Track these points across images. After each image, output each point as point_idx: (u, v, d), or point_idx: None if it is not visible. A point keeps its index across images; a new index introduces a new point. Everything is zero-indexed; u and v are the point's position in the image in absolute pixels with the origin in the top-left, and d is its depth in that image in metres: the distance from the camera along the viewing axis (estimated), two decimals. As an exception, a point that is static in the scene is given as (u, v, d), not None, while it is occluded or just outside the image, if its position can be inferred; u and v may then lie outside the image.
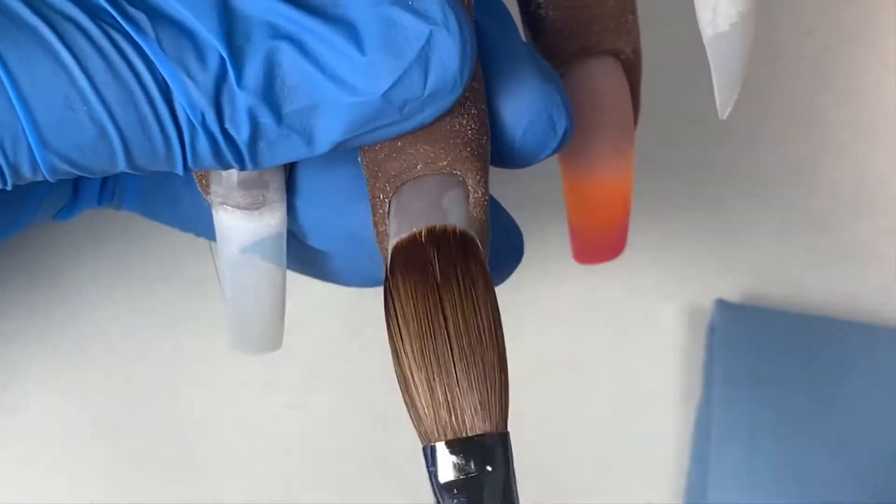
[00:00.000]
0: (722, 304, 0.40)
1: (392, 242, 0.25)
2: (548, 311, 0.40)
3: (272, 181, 0.26)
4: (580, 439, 0.40)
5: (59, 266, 0.39)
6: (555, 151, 0.26)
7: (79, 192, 0.30)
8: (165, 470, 0.39)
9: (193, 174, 0.27)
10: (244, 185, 0.26)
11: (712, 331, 0.40)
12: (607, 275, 0.41)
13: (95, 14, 0.22)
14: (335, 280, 0.31)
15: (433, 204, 0.25)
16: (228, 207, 0.26)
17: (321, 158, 0.25)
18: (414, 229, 0.24)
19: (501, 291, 0.42)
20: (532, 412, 0.40)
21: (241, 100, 0.23)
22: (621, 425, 0.40)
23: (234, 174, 0.26)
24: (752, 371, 0.39)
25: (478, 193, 0.25)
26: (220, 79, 0.22)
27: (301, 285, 0.40)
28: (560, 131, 0.26)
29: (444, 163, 0.25)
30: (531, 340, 0.40)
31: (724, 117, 0.27)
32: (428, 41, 0.23)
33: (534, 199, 0.38)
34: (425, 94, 0.23)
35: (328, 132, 0.23)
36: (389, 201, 0.25)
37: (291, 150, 0.24)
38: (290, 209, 0.27)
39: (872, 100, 0.43)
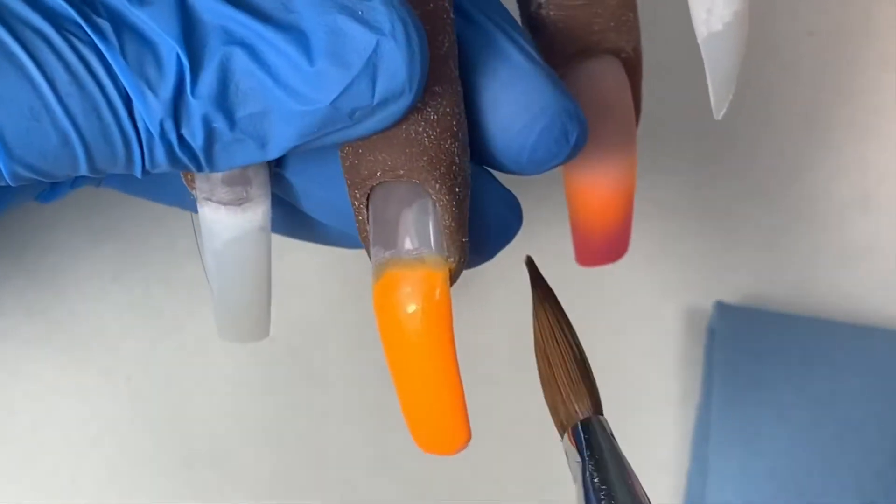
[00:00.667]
0: (721, 306, 0.40)
1: (372, 260, 0.25)
2: (548, 312, 0.40)
3: (255, 177, 0.27)
4: (580, 439, 0.40)
5: (59, 266, 0.39)
6: (566, 160, 0.27)
7: None
8: (165, 470, 0.39)
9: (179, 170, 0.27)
10: (228, 181, 0.27)
11: (712, 332, 0.40)
12: (607, 275, 0.41)
13: (60, 24, 0.23)
14: (330, 244, 0.31)
15: (403, 214, 0.25)
16: (212, 203, 0.27)
17: None
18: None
19: (502, 291, 0.43)
20: (532, 412, 0.40)
21: (196, 107, 0.23)
22: (621, 426, 0.40)
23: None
24: (751, 373, 0.39)
25: (442, 200, 0.25)
26: (178, 89, 0.23)
27: (301, 286, 0.40)
28: (572, 140, 0.26)
29: (402, 171, 0.25)
30: (530, 341, 0.40)
31: (719, 117, 0.27)
32: (375, 51, 0.23)
33: (533, 200, 0.38)
34: (374, 102, 0.23)
35: (280, 138, 0.24)
36: (366, 208, 0.26)
37: (245, 153, 0.24)
38: (281, 182, 0.28)
39: (872, 100, 0.43)
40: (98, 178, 0.25)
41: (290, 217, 0.30)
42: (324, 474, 0.39)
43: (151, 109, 0.23)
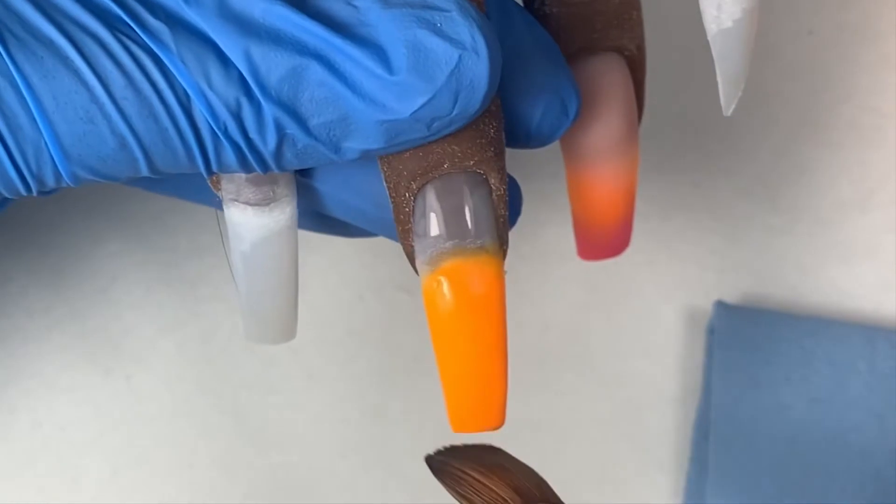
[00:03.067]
0: (721, 306, 0.40)
1: (427, 249, 0.26)
2: (548, 311, 0.40)
3: (282, 177, 0.27)
4: (580, 439, 0.40)
5: (59, 266, 0.39)
6: (565, 131, 0.28)
7: None
8: (165, 470, 0.39)
9: None
10: (254, 181, 0.27)
11: (712, 332, 0.40)
12: (607, 275, 0.41)
13: (115, 26, 0.23)
14: (359, 236, 0.31)
15: (463, 204, 0.25)
16: (239, 204, 0.27)
17: None
18: None
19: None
20: (531, 412, 0.40)
21: (267, 111, 0.23)
22: (620, 426, 0.40)
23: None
24: (751, 372, 0.39)
25: (500, 191, 0.26)
26: (243, 90, 0.23)
27: (301, 286, 0.40)
28: (572, 113, 0.27)
29: (472, 162, 0.25)
30: (531, 340, 0.40)
31: (729, 114, 0.27)
32: (458, 65, 0.23)
33: (533, 199, 0.38)
34: (454, 114, 0.24)
35: (356, 143, 0.24)
36: (414, 199, 0.26)
37: (317, 157, 0.24)
38: (307, 190, 0.28)
39: (872, 100, 0.43)
40: (161, 176, 0.25)
41: (313, 215, 0.30)
42: (324, 474, 0.39)
43: (214, 110, 0.23)
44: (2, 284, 0.39)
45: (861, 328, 0.40)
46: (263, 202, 0.27)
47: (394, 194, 0.26)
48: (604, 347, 0.41)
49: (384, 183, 0.26)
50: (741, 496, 0.38)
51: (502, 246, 0.26)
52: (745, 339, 0.39)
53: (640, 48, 0.30)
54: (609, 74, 0.29)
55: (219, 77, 0.23)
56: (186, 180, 0.29)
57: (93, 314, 0.39)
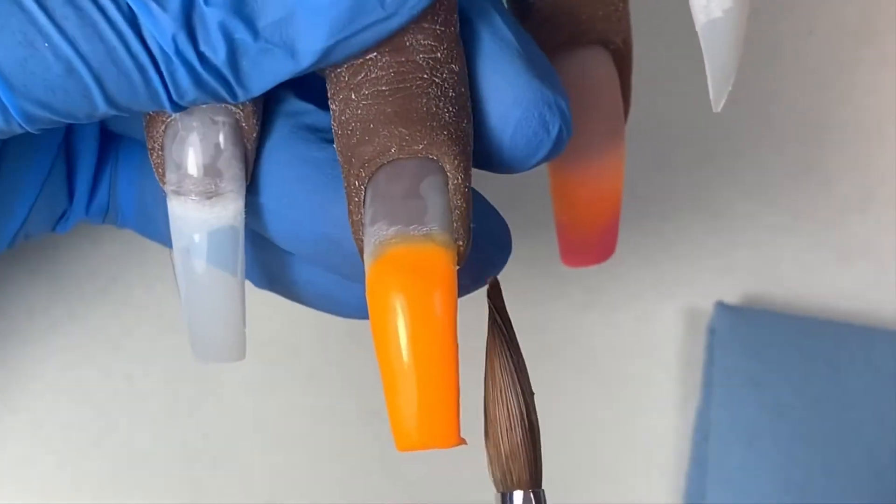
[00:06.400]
0: (721, 306, 0.40)
1: (370, 239, 0.24)
2: (547, 312, 0.40)
3: (227, 170, 0.25)
4: (579, 440, 0.40)
5: (59, 265, 0.39)
6: (550, 155, 0.25)
7: (73, 200, 0.30)
8: (165, 470, 0.39)
9: (151, 161, 0.26)
10: (198, 172, 0.25)
11: (712, 332, 0.40)
12: (607, 275, 0.41)
13: None
14: (312, 304, 0.29)
15: (411, 191, 0.23)
16: (181, 196, 0.25)
17: (288, 149, 0.24)
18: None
19: (505, 292, 0.42)
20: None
21: (212, 17, 0.22)
22: (620, 426, 0.40)
23: (187, 161, 0.25)
24: (751, 373, 0.39)
25: (457, 179, 0.24)
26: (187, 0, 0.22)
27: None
28: (553, 132, 0.25)
29: (420, 146, 0.23)
30: (530, 340, 0.40)
31: (718, 110, 0.26)
32: None
33: (531, 197, 0.38)
34: None
35: (310, 40, 0.22)
36: (365, 188, 0.24)
37: (276, 66, 0.23)
38: (256, 209, 0.26)
39: (872, 100, 0.43)
40: (127, 114, 0.23)
41: (264, 266, 0.28)
42: (323, 474, 0.39)
43: (160, 24, 0.21)
44: (2, 285, 0.39)
45: (861, 329, 0.40)
46: (205, 195, 0.25)
47: (346, 185, 0.24)
48: (604, 347, 0.41)
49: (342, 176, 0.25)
50: (741, 496, 0.38)
51: (457, 240, 0.24)
52: (745, 339, 0.39)
53: (626, 42, 0.29)
54: (594, 68, 0.28)
55: None
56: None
57: (93, 314, 0.39)
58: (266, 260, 0.28)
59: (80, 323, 0.39)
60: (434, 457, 0.40)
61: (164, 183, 0.26)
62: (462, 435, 0.24)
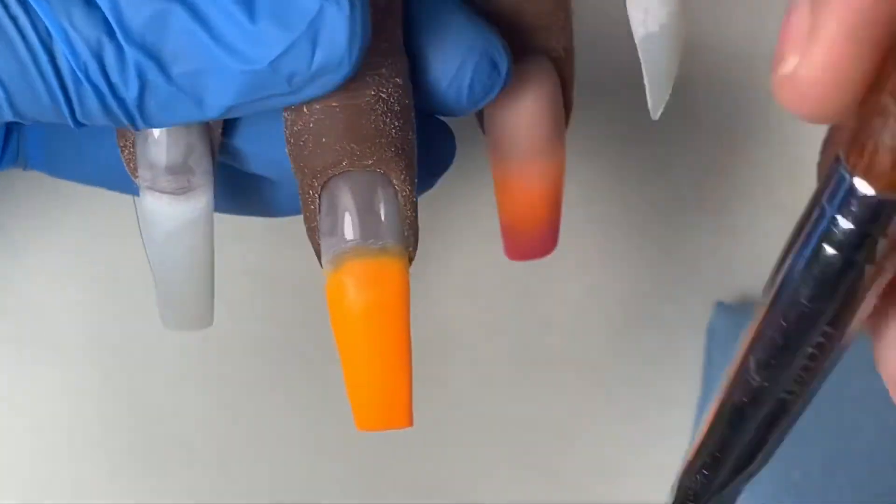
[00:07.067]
0: (721, 307, 0.40)
1: (329, 249, 0.26)
2: (547, 312, 0.41)
3: (198, 166, 0.27)
4: (579, 439, 0.40)
5: (60, 266, 0.39)
6: (500, 91, 0.27)
7: None
8: (165, 470, 0.39)
9: (122, 156, 0.27)
10: (171, 170, 0.27)
11: (712, 333, 0.40)
12: (607, 275, 0.41)
13: None
14: (276, 211, 0.31)
15: (365, 204, 0.25)
16: (155, 192, 0.27)
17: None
18: None
19: (501, 291, 0.43)
20: (531, 412, 0.40)
21: (129, 55, 0.23)
22: (620, 426, 0.40)
23: (161, 158, 0.27)
24: (751, 372, 0.39)
25: (405, 191, 0.26)
26: (106, 32, 0.23)
27: (301, 285, 0.40)
28: (503, 71, 0.27)
29: (370, 161, 0.25)
30: (530, 341, 0.41)
31: (656, 117, 0.27)
32: (318, 15, 0.23)
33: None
34: (313, 68, 0.23)
35: (218, 96, 0.24)
36: (319, 197, 0.26)
37: (182, 111, 0.24)
38: (228, 149, 0.28)
39: (872, 100, 0.43)
40: (32, 122, 0.24)
41: (233, 195, 0.30)
42: (323, 474, 0.39)
43: (76, 50, 0.23)
44: (2, 285, 0.39)
45: (861, 329, 0.40)
46: (179, 191, 0.27)
47: (300, 191, 0.26)
48: (604, 347, 0.41)
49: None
50: (741, 496, 0.38)
51: (408, 248, 0.26)
52: (744, 339, 0.39)
53: (568, 50, 0.30)
54: (536, 76, 0.29)
55: (81, 16, 0.23)
56: (107, 166, 0.29)
57: (93, 315, 0.39)
58: (233, 185, 0.30)
59: (80, 323, 0.39)
60: (434, 457, 0.40)
61: (136, 177, 0.27)
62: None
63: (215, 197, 0.29)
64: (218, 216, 0.29)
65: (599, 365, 0.41)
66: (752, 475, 0.24)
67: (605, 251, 0.41)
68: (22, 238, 0.39)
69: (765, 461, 0.24)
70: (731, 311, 0.40)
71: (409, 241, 0.26)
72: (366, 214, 0.25)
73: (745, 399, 0.23)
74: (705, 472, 0.24)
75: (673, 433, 0.40)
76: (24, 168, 0.31)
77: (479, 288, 0.40)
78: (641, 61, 0.27)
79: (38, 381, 0.39)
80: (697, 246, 0.41)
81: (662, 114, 0.41)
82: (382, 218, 0.25)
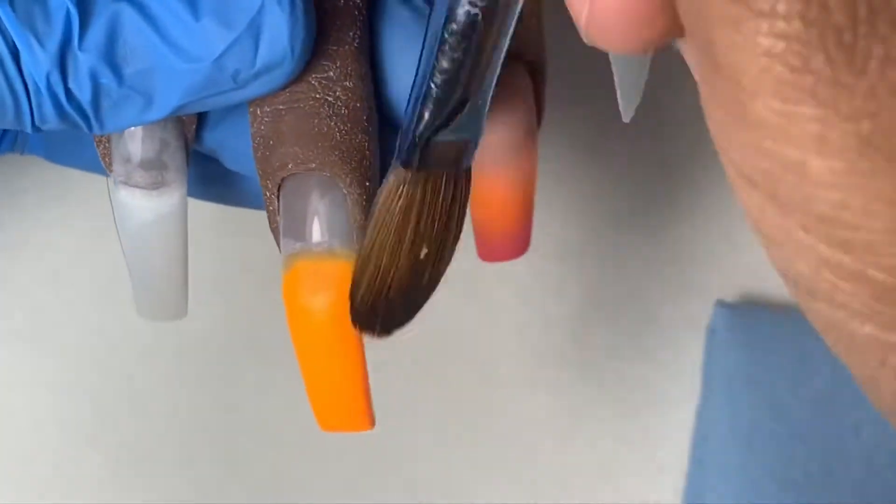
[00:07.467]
0: (721, 306, 0.40)
1: (283, 250, 0.26)
2: (547, 312, 0.40)
3: (171, 162, 0.27)
4: (579, 439, 0.40)
5: (59, 265, 0.39)
6: None
7: None
8: (165, 470, 0.39)
9: (97, 150, 0.28)
10: (144, 165, 0.27)
11: (711, 332, 0.40)
12: (606, 275, 0.41)
13: None
14: (255, 204, 0.31)
15: (314, 208, 0.26)
16: (129, 187, 0.27)
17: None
18: None
19: (500, 291, 0.43)
20: (531, 412, 0.40)
21: (83, 61, 0.23)
22: (620, 426, 0.40)
23: (135, 154, 0.27)
24: (750, 373, 0.39)
25: (353, 194, 0.26)
26: (66, 42, 0.23)
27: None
28: None
29: (314, 165, 0.26)
30: (530, 341, 0.41)
31: (627, 121, 0.27)
32: (259, 12, 0.23)
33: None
34: (257, 66, 0.24)
35: (167, 95, 0.24)
36: (277, 198, 0.26)
37: (133, 111, 0.24)
38: (200, 140, 0.28)
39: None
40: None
41: (206, 182, 0.30)
42: (323, 474, 0.39)
43: (38, 62, 0.23)
44: (2, 285, 0.39)
45: (861, 328, 0.40)
46: (152, 186, 0.27)
47: (263, 191, 0.27)
48: (603, 347, 0.41)
49: None
50: (741, 496, 0.38)
51: (357, 250, 0.26)
52: (745, 339, 0.39)
53: (540, 55, 0.30)
54: (508, 81, 0.29)
55: (44, 28, 0.23)
56: (84, 147, 0.29)
57: (93, 314, 0.39)
58: (213, 174, 0.30)
59: (80, 322, 0.39)
60: (434, 457, 0.40)
61: (110, 171, 0.28)
62: None
63: (197, 186, 0.29)
64: (220, 212, 0.29)
65: (599, 364, 0.41)
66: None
67: (604, 251, 0.41)
68: (22, 237, 0.39)
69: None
70: (731, 310, 0.40)
71: (358, 243, 0.26)
72: (312, 217, 0.26)
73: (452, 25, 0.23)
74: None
75: (673, 433, 0.40)
76: (22, 153, 0.31)
77: (479, 288, 0.40)
78: (613, 68, 0.27)
79: (35, 380, 0.39)
80: (697, 246, 0.41)
81: (663, 112, 0.42)
82: (330, 220, 0.26)
